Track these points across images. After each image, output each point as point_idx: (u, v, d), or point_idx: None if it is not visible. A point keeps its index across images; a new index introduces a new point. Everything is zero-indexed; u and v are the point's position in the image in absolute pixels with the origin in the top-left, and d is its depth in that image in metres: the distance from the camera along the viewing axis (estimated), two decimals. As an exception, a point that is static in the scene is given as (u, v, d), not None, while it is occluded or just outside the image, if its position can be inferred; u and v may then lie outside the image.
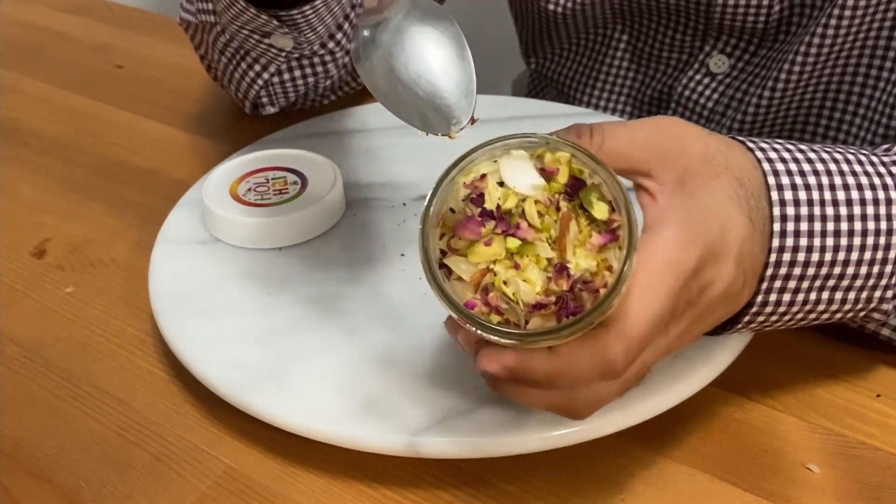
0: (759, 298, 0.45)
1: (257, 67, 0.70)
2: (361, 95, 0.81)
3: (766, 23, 0.67)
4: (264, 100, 0.74)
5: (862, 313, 0.49)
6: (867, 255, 0.45)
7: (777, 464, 0.49)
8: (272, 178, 0.65)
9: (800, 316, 0.47)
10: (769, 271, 0.44)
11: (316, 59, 0.71)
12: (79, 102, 0.86)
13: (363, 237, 0.62)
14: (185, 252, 0.61)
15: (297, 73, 0.71)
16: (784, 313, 0.46)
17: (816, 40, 0.64)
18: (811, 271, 0.45)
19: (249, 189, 0.64)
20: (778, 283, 0.45)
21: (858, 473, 0.48)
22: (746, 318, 0.46)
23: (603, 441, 0.47)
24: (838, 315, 0.48)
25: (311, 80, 0.72)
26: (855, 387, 0.53)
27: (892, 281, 0.47)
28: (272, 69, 0.70)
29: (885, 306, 0.48)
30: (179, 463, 0.51)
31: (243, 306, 0.57)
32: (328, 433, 0.49)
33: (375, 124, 0.74)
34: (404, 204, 0.65)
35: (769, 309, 0.46)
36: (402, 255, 0.60)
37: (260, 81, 0.71)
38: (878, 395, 0.52)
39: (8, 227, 0.69)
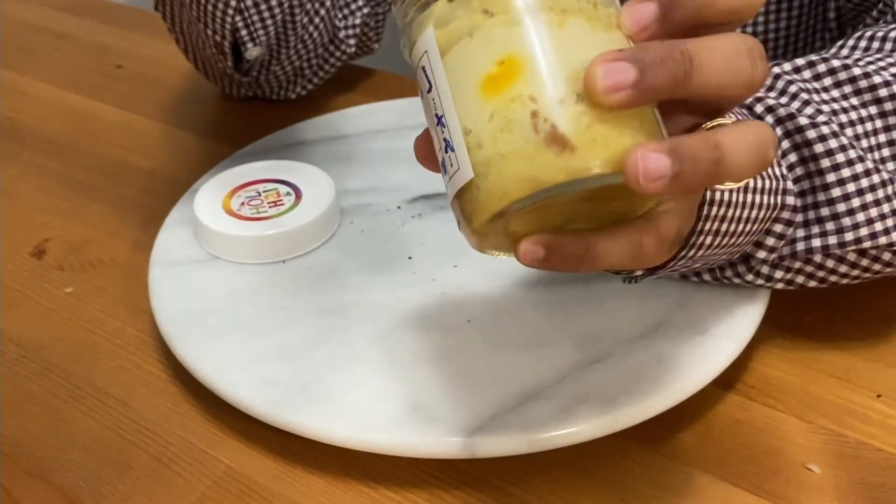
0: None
1: None
2: (351, 100, 0.81)
3: None
4: (244, 34, 0.71)
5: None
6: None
7: (777, 464, 0.49)
8: (264, 191, 0.63)
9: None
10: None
11: None
12: (79, 102, 0.86)
13: (365, 243, 0.61)
14: (185, 273, 0.59)
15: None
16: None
17: None
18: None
19: (243, 203, 0.62)
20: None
21: (859, 474, 0.48)
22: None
23: (603, 441, 0.47)
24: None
25: (286, 3, 0.71)
26: (855, 387, 0.53)
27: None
28: None
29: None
30: (179, 463, 0.50)
31: (259, 322, 0.55)
32: (379, 443, 0.48)
33: (353, 129, 0.73)
34: (398, 207, 0.64)
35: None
36: (410, 258, 0.59)
37: (233, 3, 0.68)
38: (879, 395, 0.52)
39: (8, 227, 0.69)
